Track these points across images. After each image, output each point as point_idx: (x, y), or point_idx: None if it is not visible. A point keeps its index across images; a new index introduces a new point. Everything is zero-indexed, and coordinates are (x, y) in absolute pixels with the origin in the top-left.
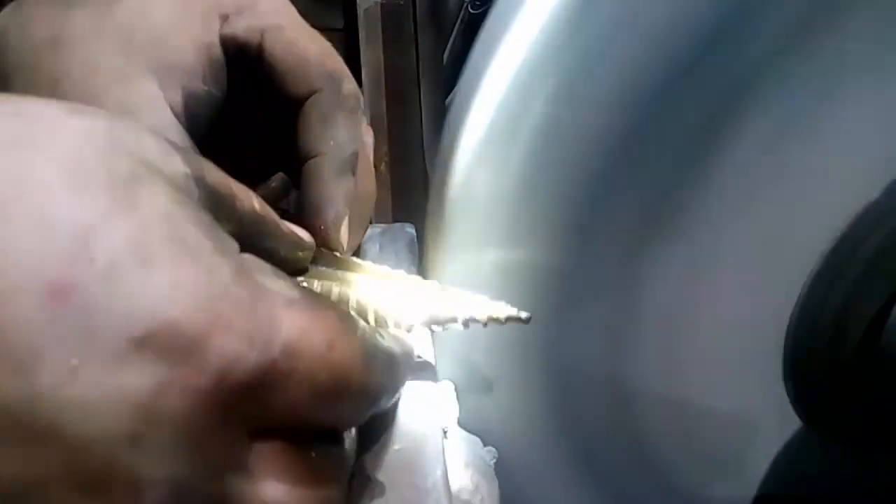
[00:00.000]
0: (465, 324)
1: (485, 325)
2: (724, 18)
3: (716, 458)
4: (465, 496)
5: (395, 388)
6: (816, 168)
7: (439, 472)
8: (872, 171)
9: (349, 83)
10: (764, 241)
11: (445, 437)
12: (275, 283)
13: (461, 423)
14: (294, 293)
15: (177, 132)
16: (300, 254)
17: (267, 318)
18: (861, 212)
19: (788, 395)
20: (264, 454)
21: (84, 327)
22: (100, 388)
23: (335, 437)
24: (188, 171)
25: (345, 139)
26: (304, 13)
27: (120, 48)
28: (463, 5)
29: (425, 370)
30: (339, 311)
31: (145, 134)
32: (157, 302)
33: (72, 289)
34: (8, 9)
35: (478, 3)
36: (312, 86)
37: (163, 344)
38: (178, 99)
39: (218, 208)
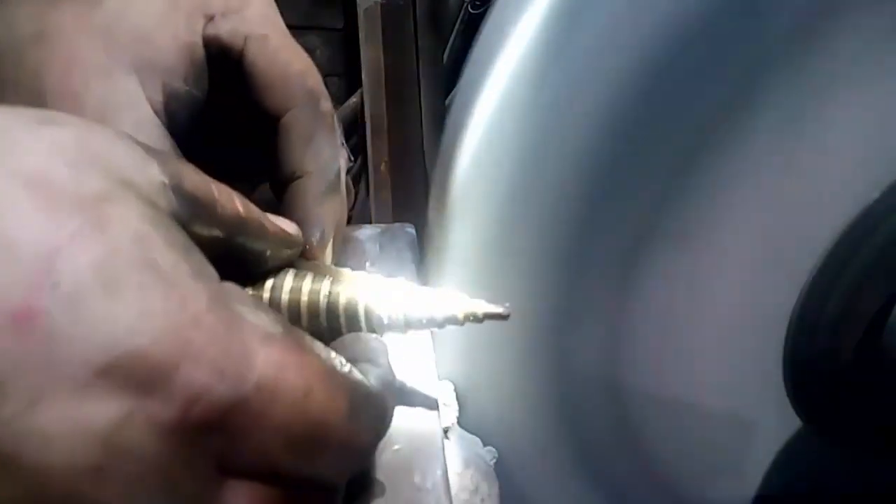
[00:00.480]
0: (442, 324)
1: (462, 323)
2: (723, 21)
3: (716, 458)
4: (465, 496)
5: (377, 441)
6: (816, 169)
7: (439, 472)
8: (872, 171)
9: (326, 102)
10: (764, 242)
11: (445, 437)
12: (254, 316)
13: (461, 423)
14: (275, 329)
15: (157, 130)
16: (287, 251)
17: (241, 351)
18: (861, 212)
19: (788, 395)
20: (240, 493)
21: (47, 354)
22: (63, 418)
23: (326, 489)
24: (164, 179)
25: (328, 159)
26: (305, 13)
27: (102, 45)
28: (463, 5)
29: (426, 368)
30: (323, 354)
31: (120, 142)
32: (122, 330)
33: (35, 315)
34: None
35: (478, 3)
36: (290, 101)
37: (128, 373)
38: (158, 97)
39: (198, 214)
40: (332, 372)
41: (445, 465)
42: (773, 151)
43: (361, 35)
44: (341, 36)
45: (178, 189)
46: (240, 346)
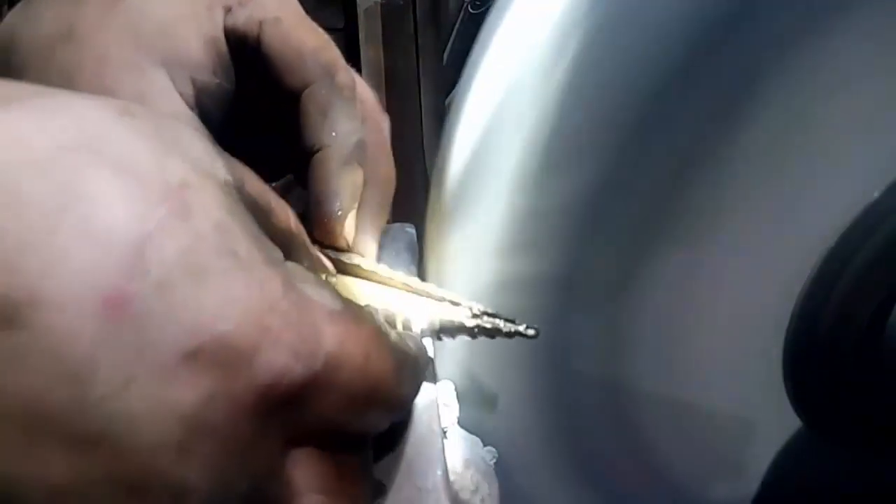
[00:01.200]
0: (473, 334)
1: (493, 336)
2: (724, 18)
3: (716, 458)
4: (465, 496)
5: (416, 393)
6: (816, 168)
7: (439, 472)
8: (872, 171)
9: (344, 74)
10: (763, 241)
11: (445, 437)
12: (319, 294)
13: (461, 423)
14: (336, 304)
15: (195, 125)
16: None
17: (312, 330)
18: (861, 212)
19: (788, 395)
20: (299, 461)
21: (137, 339)
22: (150, 399)
23: (362, 442)
24: (230, 178)
25: (346, 130)
26: (305, 13)
27: (130, 42)
28: (463, 5)
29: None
30: (375, 323)
31: (193, 134)
32: (208, 316)
33: (127, 301)
34: (17, 8)
35: (478, 3)
36: (307, 78)
37: (213, 358)
38: (189, 91)
39: (255, 219)
40: (383, 338)
41: (445, 465)
42: (772, 151)
43: (361, 35)
44: (341, 36)
45: (241, 190)
46: (310, 326)
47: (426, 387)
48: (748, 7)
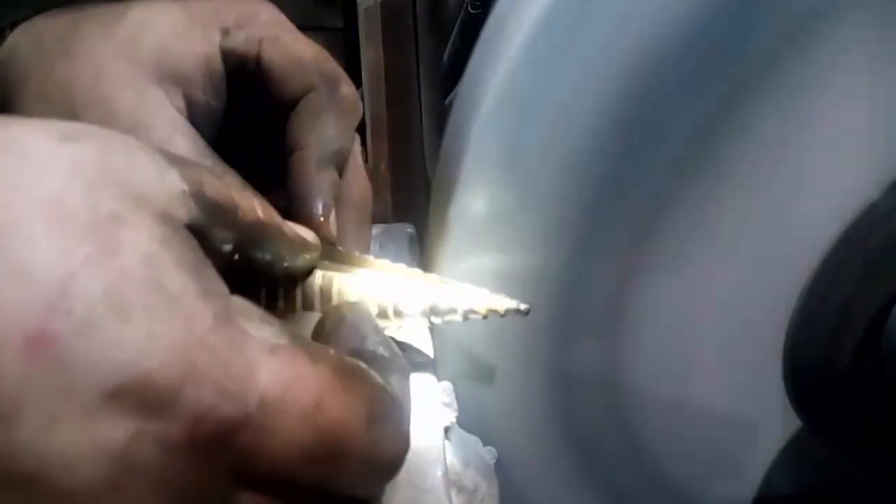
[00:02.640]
0: (465, 315)
1: (484, 317)
2: (721, 20)
3: (716, 458)
4: (465, 496)
5: (404, 451)
6: (816, 169)
7: (439, 472)
8: (872, 171)
9: (347, 86)
10: (763, 242)
11: (445, 437)
12: (259, 330)
13: (461, 423)
14: (280, 340)
15: (189, 132)
16: (306, 256)
17: (244, 368)
18: (861, 212)
19: (788, 395)
20: None
21: (60, 379)
22: (77, 438)
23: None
24: (185, 186)
25: (330, 135)
26: (305, 13)
27: (126, 56)
28: (463, 5)
29: (426, 367)
30: (339, 363)
31: (140, 153)
32: (131, 355)
33: (50, 341)
34: (20, 27)
35: (478, 3)
36: (307, 86)
37: (136, 397)
38: (181, 105)
39: (218, 220)
40: (346, 380)
41: (445, 465)
42: (772, 152)
43: (361, 35)
44: (341, 36)
45: (198, 195)
46: (243, 363)
47: (426, 387)
48: (745, 9)
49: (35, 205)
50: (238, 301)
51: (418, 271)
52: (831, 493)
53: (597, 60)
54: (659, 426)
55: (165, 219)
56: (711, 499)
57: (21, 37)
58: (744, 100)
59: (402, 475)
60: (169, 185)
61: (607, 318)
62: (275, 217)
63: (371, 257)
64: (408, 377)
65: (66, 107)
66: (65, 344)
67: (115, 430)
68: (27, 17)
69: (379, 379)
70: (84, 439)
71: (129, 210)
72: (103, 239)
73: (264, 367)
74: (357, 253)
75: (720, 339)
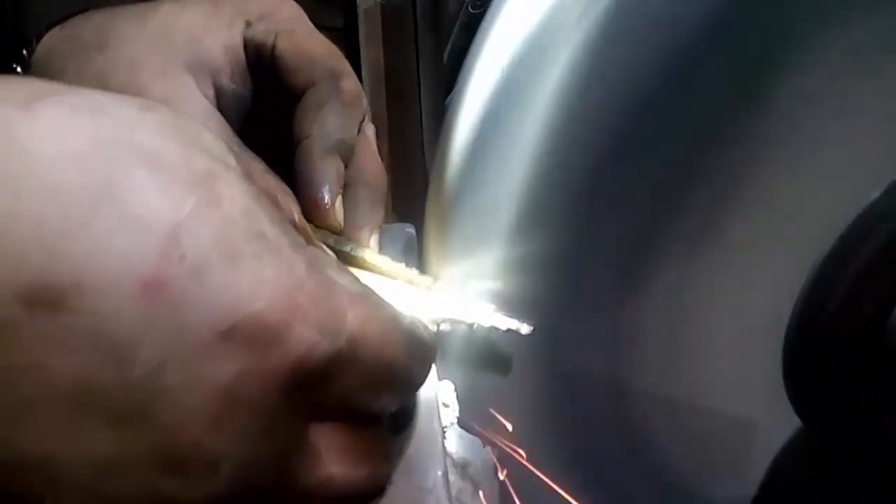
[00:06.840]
0: (470, 328)
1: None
2: (723, 19)
3: (716, 458)
4: (465, 496)
5: (426, 377)
6: (816, 169)
7: (439, 472)
8: (872, 171)
9: (351, 81)
10: (764, 241)
11: (445, 437)
12: (341, 277)
13: (461, 424)
14: (357, 288)
15: (220, 122)
16: None
17: (336, 310)
18: (861, 212)
19: (788, 395)
20: (322, 434)
21: (175, 319)
22: (188, 375)
23: (378, 421)
24: (240, 170)
25: (334, 125)
26: (305, 13)
27: (158, 48)
28: (463, 5)
29: None
30: (392, 307)
31: (205, 130)
32: (242, 296)
33: (164, 285)
34: (56, 28)
35: (478, 3)
36: (313, 78)
37: (247, 335)
38: (211, 94)
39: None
40: (398, 322)
41: (446, 465)
42: (772, 152)
43: (361, 35)
44: (341, 36)
45: (250, 179)
46: (335, 305)
47: (426, 387)
48: (746, 10)
49: (139, 160)
50: (317, 251)
51: (428, 280)
52: (831, 493)
53: (600, 54)
54: (659, 426)
55: (248, 179)
56: (711, 498)
57: (58, 34)
58: (745, 100)
59: (403, 475)
60: (233, 163)
61: (608, 318)
62: (307, 226)
63: (371, 256)
64: (431, 330)
65: None
66: (179, 287)
67: (223, 368)
68: (63, 20)
69: (412, 322)
70: (195, 376)
71: (220, 169)
72: (205, 192)
73: (350, 309)
74: (359, 251)
75: (720, 339)
